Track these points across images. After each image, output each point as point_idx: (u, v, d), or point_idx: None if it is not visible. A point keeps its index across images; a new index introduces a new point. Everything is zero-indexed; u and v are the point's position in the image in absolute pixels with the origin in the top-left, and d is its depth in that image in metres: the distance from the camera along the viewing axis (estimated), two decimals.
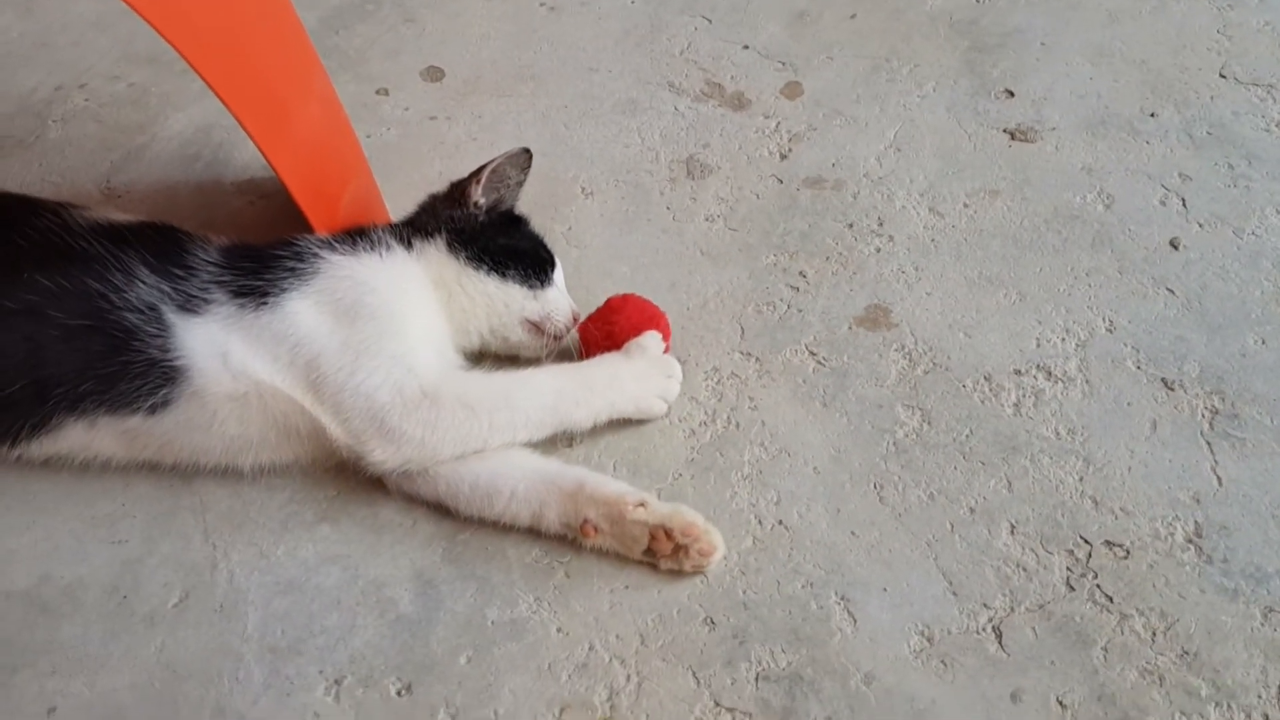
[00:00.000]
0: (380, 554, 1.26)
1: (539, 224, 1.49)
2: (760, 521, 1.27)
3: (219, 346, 1.24)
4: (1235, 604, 1.16)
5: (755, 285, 1.54)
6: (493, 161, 1.40)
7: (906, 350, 1.44)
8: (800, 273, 1.56)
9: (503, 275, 1.38)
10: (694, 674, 1.14)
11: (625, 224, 1.66)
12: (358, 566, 1.25)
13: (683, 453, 1.34)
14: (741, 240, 1.62)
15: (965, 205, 1.64)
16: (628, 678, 1.14)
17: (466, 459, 1.26)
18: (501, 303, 1.38)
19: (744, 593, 1.20)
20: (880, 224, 1.62)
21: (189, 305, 1.25)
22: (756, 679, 1.13)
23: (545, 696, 1.13)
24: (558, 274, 1.44)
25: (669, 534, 1.19)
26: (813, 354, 1.45)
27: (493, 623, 1.19)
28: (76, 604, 1.22)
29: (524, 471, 1.26)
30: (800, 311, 1.50)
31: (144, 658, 1.17)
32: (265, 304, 1.26)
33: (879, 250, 1.58)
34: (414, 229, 1.40)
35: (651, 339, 1.37)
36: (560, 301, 1.41)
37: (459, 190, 1.42)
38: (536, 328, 1.39)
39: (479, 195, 1.41)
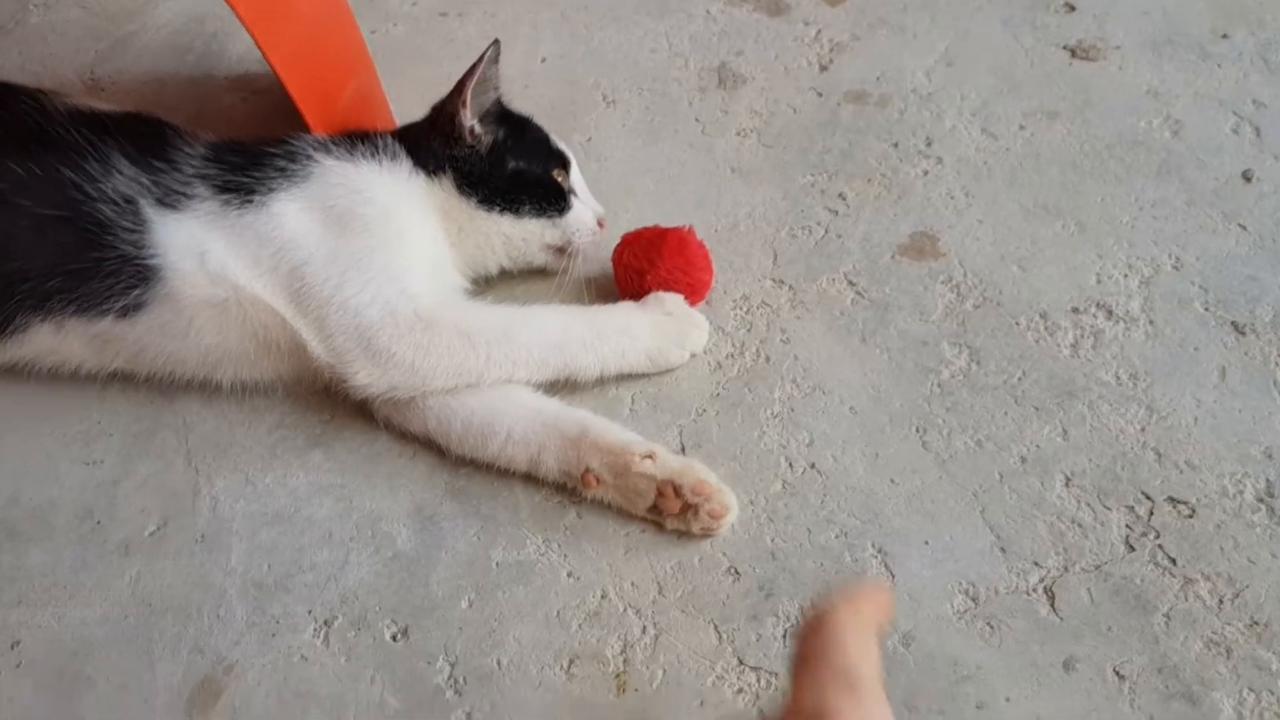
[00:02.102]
0: (377, 485, 1.16)
1: (556, 132, 1.37)
2: (791, 464, 1.16)
3: (198, 245, 1.14)
4: None
5: (790, 207, 1.42)
6: (471, 75, 1.24)
7: (954, 283, 1.33)
8: (840, 195, 1.43)
9: (517, 213, 1.27)
10: (716, 628, 1.05)
11: (650, 135, 1.53)
12: (352, 498, 1.15)
13: (707, 387, 1.23)
14: (776, 157, 1.49)
15: (1021, 127, 1.51)
16: (643, 629, 1.05)
17: (460, 393, 1.15)
18: (520, 238, 1.29)
19: (772, 541, 1.10)
20: (928, 144, 1.50)
21: (169, 200, 1.15)
22: (784, 636, 1.03)
23: (553, 647, 1.04)
24: (575, 175, 1.33)
25: (677, 490, 1.08)
26: (852, 284, 1.33)
27: (498, 564, 1.10)
28: (46, 528, 1.13)
29: (523, 411, 1.15)
30: (839, 237, 1.38)
31: (117, 589, 1.08)
32: (250, 203, 1.16)
33: (926, 173, 1.46)
34: (417, 158, 1.26)
35: (674, 300, 1.25)
36: (581, 218, 1.30)
37: (447, 120, 1.26)
38: (559, 250, 1.30)
39: (470, 119, 1.26)
